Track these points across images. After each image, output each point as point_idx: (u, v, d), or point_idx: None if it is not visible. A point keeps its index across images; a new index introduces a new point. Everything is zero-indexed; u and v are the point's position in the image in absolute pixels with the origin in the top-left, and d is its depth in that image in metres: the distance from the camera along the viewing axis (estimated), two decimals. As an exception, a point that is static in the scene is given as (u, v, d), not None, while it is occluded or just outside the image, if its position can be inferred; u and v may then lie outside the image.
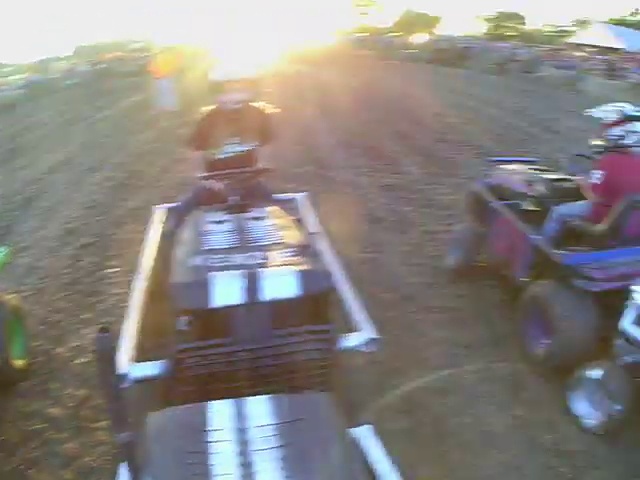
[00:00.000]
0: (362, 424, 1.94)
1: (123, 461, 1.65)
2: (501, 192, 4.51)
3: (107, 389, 1.52)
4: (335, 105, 13.75)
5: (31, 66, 42.68)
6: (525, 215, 4.12)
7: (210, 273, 2.22)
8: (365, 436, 1.89)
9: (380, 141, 10.09)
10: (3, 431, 3.28)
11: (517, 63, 24.21)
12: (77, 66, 35.72)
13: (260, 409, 1.64)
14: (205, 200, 3.24)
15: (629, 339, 3.02)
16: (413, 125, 11.51)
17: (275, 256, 2.39)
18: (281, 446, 1.51)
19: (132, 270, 4.05)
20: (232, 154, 3.49)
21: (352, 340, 2.43)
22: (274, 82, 14.41)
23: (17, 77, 33.81)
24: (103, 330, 1.49)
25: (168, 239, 3.19)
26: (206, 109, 3.53)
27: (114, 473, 2.10)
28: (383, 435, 1.92)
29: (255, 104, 3.52)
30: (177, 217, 3.26)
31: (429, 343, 3.84)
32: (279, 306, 2.19)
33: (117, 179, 8.52)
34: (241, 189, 3.07)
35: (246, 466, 1.45)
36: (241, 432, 1.55)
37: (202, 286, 2.15)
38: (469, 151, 9.36)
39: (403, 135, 10.57)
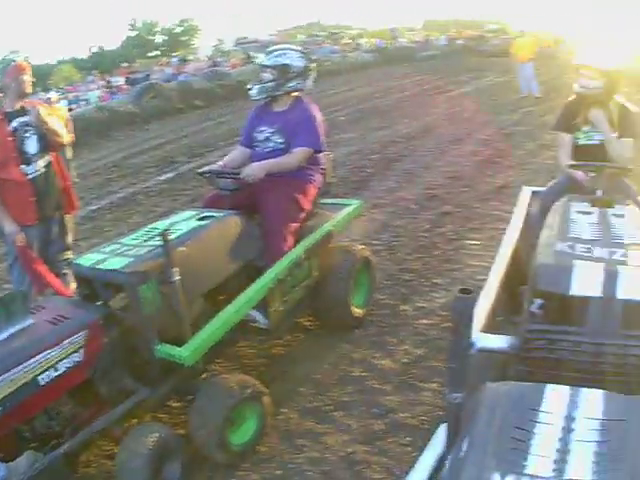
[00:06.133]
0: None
1: (445, 422, 1.72)
2: None
3: (455, 348, 1.60)
4: None
5: (378, 32, 46.07)
6: None
7: (574, 260, 2.29)
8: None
9: None
10: (320, 371, 3.40)
11: None
12: (432, 39, 37.10)
13: (592, 402, 1.62)
14: (570, 189, 3.31)
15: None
16: None
17: (635, 256, 2.36)
18: (600, 442, 1.48)
19: (492, 245, 4.19)
20: (597, 142, 3.52)
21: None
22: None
23: (365, 40, 37.51)
24: (465, 291, 1.56)
25: (534, 222, 3.28)
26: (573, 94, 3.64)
27: (428, 433, 2.42)
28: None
29: (617, 97, 3.52)
30: (544, 201, 3.37)
31: None
32: (631, 307, 2.17)
33: (483, 154, 8.44)
34: (606, 183, 3.08)
35: (562, 452, 1.46)
36: (568, 420, 1.56)
37: (566, 272, 2.22)
38: None
39: None
